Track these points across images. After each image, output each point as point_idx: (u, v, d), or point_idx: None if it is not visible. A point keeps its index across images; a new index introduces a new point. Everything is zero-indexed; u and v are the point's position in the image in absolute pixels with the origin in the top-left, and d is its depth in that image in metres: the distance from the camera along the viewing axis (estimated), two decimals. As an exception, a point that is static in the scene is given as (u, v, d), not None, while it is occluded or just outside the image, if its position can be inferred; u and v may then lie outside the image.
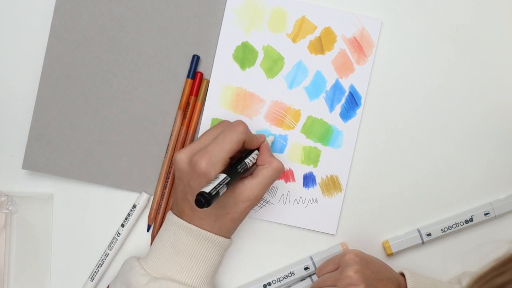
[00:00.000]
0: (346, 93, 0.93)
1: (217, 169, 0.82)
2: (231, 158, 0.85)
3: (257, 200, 0.85)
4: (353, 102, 0.93)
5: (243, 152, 0.88)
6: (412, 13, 0.93)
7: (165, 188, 0.91)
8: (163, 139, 0.92)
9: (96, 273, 0.92)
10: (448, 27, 0.94)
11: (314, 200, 0.93)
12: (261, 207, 0.93)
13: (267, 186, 0.86)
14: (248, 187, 0.84)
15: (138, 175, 0.92)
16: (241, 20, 0.92)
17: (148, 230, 0.93)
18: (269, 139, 0.91)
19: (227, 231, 0.86)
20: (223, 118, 0.92)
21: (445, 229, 0.93)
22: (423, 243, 0.93)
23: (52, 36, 0.91)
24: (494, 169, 0.94)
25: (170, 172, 0.91)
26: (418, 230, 0.93)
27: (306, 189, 0.93)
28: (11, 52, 0.92)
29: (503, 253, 0.60)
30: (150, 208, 0.92)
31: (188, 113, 0.91)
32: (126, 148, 0.92)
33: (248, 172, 0.87)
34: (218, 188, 0.80)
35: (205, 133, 0.87)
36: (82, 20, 0.91)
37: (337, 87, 0.93)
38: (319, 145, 0.93)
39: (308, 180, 0.93)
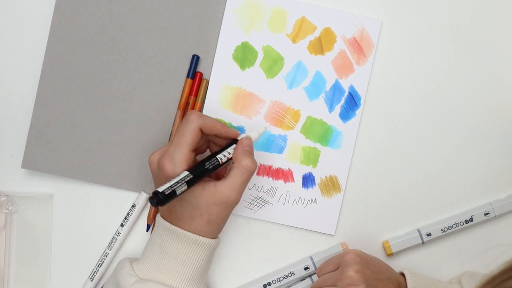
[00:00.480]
0: (346, 94, 0.93)
1: (181, 167, 0.80)
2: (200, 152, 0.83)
3: (232, 202, 0.82)
4: (352, 102, 0.93)
5: (221, 144, 0.85)
6: (412, 13, 0.93)
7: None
8: (163, 139, 0.92)
9: (96, 273, 0.92)
10: (448, 27, 0.94)
11: (314, 200, 0.93)
12: (260, 208, 0.93)
13: (240, 188, 0.82)
14: (219, 189, 0.81)
15: (138, 175, 0.92)
16: (241, 20, 0.92)
17: (147, 230, 0.93)
18: (257, 131, 0.86)
19: (207, 232, 0.83)
20: (223, 118, 0.92)
21: (445, 229, 0.93)
22: (423, 243, 0.93)
23: (52, 36, 0.91)
24: (494, 169, 0.94)
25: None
26: (418, 230, 0.93)
27: (306, 189, 0.93)
28: (11, 52, 0.92)
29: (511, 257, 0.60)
30: (149, 208, 0.92)
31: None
32: (126, 148, 0.92)
33: (227, 169, 0.85)
34: (175, 187, 0.78)
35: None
36: (82, 20, 0.91)
37: (336, 87, 0.93)
38: (318, 146, 0.93)
39: (308, 180, 0.93)
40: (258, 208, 0.93)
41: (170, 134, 0.92)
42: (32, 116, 0.91)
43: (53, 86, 0.91)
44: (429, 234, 0.93)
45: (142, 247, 0.93)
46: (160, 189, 0.77)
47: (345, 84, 0.93)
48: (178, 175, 0.80)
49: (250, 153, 0.84)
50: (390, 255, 0.93)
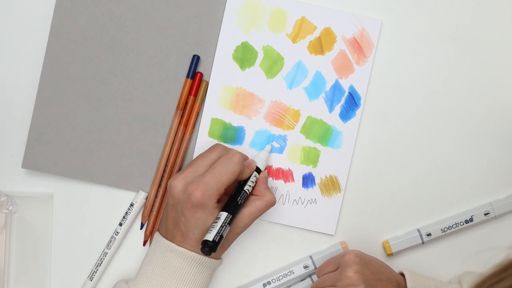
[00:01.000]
0: (346, 94, 0.93)
1: (212, 200, 0.83)
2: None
3: (245, 228, 0.87)
4: (352, 102, 0.93)
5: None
6: (412, 13, 0.93)
7: (160, 186, 0.92)
8: (162, 139, 0.92)
9: (95, 273, 0.92)
10: (448, 27, 0.93)
11: (313, 200, 0.93)
12: (261, 207, 0.93)
13: (257, 217, 0.87)
14: (240, 216, 0.86)
15: (138, 175, 0.92)
16: (241, 20, 0.92)
17: (141, 228, 0.93)
18: (267, 149, 0.91)
19: (217, 254, 0.87)
20: (223, 118, 0.92)
21: (445, 229, 0.93)
22: (423, 243, 0.93)
23: (52, 36, 0.91)
24: (494, 169, 0.94)
25: (165, 171, 0.91)
26: (418, 230, 0.93)
27: (306, 189, 0.93)
28: (11, 52, 0.92)
29: (502, 260, 0.60)
30: (144, 207, 0.92)
31: (186, 113, 0.91)
32: (125, 147, 0.92)
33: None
34: (221, 232, 0.82)
35: (199, 157, 0.87)
36: (82, 20, 0.91)
37: (336, 87, 0.93)
38: (318, 146, 0.93)
39: (308, 180, 0.93)
40: (258, 208, 0.93)
41: (168, 134, 0.92)
42: (32, 116, 0.91)
43: (53, 86, 0.91)
44: (429, 234, 0.93)
45: (139, 246, 0.93)
46: (210, 238, 0.82)
47: (345, 84, 0.93)
48: (207, 206, 0.83)
49: (268, 186, 0.90)
50: (390, 255, 0.93)
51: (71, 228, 0.93)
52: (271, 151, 0.93)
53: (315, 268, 0.92)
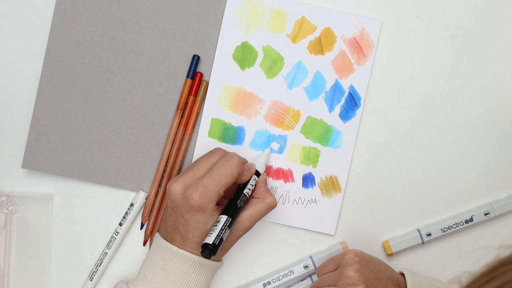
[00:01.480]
0: (346, 94, 0.93)
1: (211, 203, 0.83)
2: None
3: (246, 231, 0.87)
4: (352, 102, 0.93)
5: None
6: (412, 14, 0.93)
7: (160, 186, 0.92)
8: (162, 139, 0.92)
9: (95, 273, 0.92)
10: (447, 28, 0.94)
11: (313, 200, 0.93)
12: (261, 207, 0.93)
13: (258, 219, 0.87)
14: (240, 219, 0.86)
15: (138, 175, 0.92)
16: (241, 20, 0.92)
17: (141, 228, 0.93)
18: (266, 152, 0.91)
19: (217, 257, 0.87)
20: (223, 118, 0.92)
21: (445, 229, 0.93)
22: (423, 243, 0.93)
23: (52, 36, 0.91)
24: (494, 169, 0.94)
25: (165, 171, 0.91)
26: (418, 230, 0.93)
27: (305, 189, 0.93)
28: (11, 52, 0.92)
29: (492, 259, 0.60)
30: (144, 207, 0.92)
31: (186, 113, 0.91)
32: (126, 147, 0.92)
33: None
34: (221, 235, 0.82)
35: (198, 161, 0.87)
36: (82, 20, 0.91)
37: (336, 87, 0.93)
38: (318, 146, 0.93)
39: (308, 180, 0.93)
40: (258, 208, 0.93)
41: (168, 134, 0.92)
42: (32, 116, 0.91)
43: (53, 86, 0.91)
44: (429, 234, 0.93)
45: (140, 246, 0.93)
46: (210, 241, 0.82)
47: (345, 84, 0.93)
48: (207, 209, 0.83)
49: (268, 189, 0.90)
50: (390, 255, 0.93)
51: (71, 228, 0.93)
52: (271, 151, 0.93)
53: (315, 268, 0.92)
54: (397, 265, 0.93)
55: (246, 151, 0.92)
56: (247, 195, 0.87)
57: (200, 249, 0.82)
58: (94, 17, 0.91)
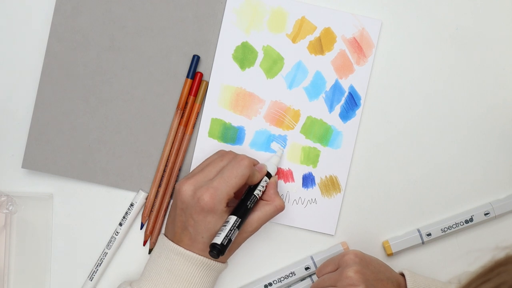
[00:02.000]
0: (346, 94, 0.93)
1: (222, 204, 0.83)
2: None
3: (253, 232, 0.87)
4: (352, 102, 0.93)
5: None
6: (412, 14, 0.93)
7: (160, 186, 0.92)
8: (162, 139, 0.92)
9: (95, 273, 0.92)
10: (447, 28, 0.94)
11: (313, 200, 0.93)
12: (261, 207, 0.93)
13: (265, 221, 0.87)
14: (249, 220, 0.86)
15: (138, 175, 0.92)
16: (241, 20, 0.92)
17: (141, 228, 0.93)
18: (278, 153, 0.91)
19: (224, 258, 0.87)
20: (223, 118, 0.92)
21: (445, 229, 0.93)
22: (423, 243, 0.93)
23: (52, 36, 0.91)
24: (494, 169, 0.94)
25: (165, 171, 0.91)
26: (418, 230, 0.93)
27: (305, 189, 0.93)
28: (11, 52, 0.92)
29: (488, 260, 0.60)
30: (144, 207, 0.92)
31: (186, 113, 0.91)
32: (126, 147, 0.92)
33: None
34: (230, 235, 0.82)
35: (209, 163, 0.87)
36: (82, 20, 0.91)
37: (336, 87, 0.93)
38: (318, 146, 0.93)
39: (308, 180, 0.93)
40: (258, 208, 0.93)
41: (168, 134, 0.92)
42: (32, 116, 0.91)
43: (53, 86, 0.91)
44: (429, 234, 0.93)
45: (140, 246, 0.93)
46: (218, 241, 0.82)
47: (345, 84, 0.93)
48: (217, 211, 0.83)
49: (278, 192, 0.90)
50: (390, 255, 0.93)
51: (71, 228, 0.93)
52: (270, 151, 0.93)
53: (316, 268, 0.92)
54: (397, 265, 0.93)
55: (246, 151, 0.92)
56: (258, 197, 0.87)
57: (208, 250, 0.82)
58: (94, 17, 0.91)
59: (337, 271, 0.86)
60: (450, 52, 0.94)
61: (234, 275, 0.93)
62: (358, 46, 0.93)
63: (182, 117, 0.92)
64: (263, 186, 0.88)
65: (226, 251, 0.83)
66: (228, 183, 0.84)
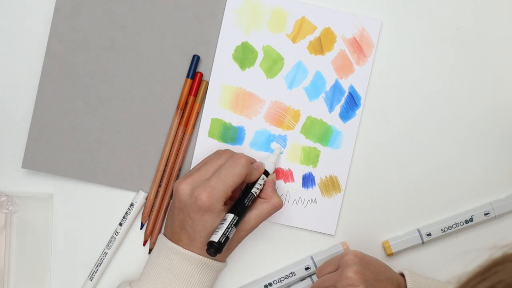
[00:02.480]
0: (346, 94, 0.93)
1: (219, 203, 0.83)
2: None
3: (251, 230, 0.87)
4: (352, 102, 0.93)
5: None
6: (412, 14, 0.93)
7: (160, 186, 0.92)
8: (162, 139, 0.92)
9: (95, 273, 0.92)
10: (447, 28, 0.94)
11: (313, 200, 0.93)
12: (261, 207, 0.93)
13: (263, 220, 0.87)
14: (246, 219, 0.86)
15: (138, 175, 0.92)
16: (241, 20, 0.92)
17: (141, 228, 0.93)
18: (276, 152, 0.91)
19: (222, 257, 0.87)
20: (223, 118, 0.92)
21: (445, 229, 0.93)
22: (423, 243, 0.93)
23: (52, 36, 0.91)
24: (494, 169, 0.94)
25: (165, 171, 0.91)
26: (418, 230, 0.93)
27: (305, 189, 0.93)
28: (11, 52, 0.92)
29: (484, 260, 0.60)
30: (144, 207, 0.92)
31: (186, 113, 0.91)
32: (126, 147, 0.92)
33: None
34: (227, 233, 0.82)
35: (207, 162, 0.87)
36: (82, 20, 0.91)
37: (336, 87, 0.93)
38: (318, 146, 0.93)
39: (308, 180, 0.93)
40: (258, 208, 0.93)
41: (168, 134, 0.92)
42: (32, 116, 0.91)
43: (53, 86, 0.91)
44: (429, 234, 0.93)
45: (140, 246, 0.93)
46: (215, 239, 0.82)
47: (345, 84, 0.93)
48: (214, 210, 0.83)
49: (275, 189, 0.91)
50: (390, 255, 0.93)
51: (71, 228, 0.93)
52: (270, 151, 0.93)
53: (316, 269, 0.92)
54: (397, 265, 0.93)
55: (246, 151, 0.92)
56: (255, 195, 0.87)
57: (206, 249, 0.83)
58: (94, 17, 0.91)
59: (337, 271, 0.86)
60: (450, 52, 0.94)
61: (234, 275, 0.93)
62: (358, 46, 0.93)
63: (182, 117, 0.92)
64: (260, 184, 0.88)
65: (224, 249, 0.83)
66: (225, 181, 0.84)
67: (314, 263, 0.92)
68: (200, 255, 0.84)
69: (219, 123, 0.93)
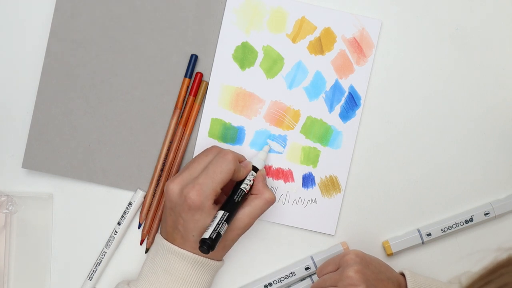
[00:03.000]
0: (346, 94, 0.93)
1: (209, 200, 0.83)
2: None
3: (247, 228, 0.86)
4: (352, 102, 0.93)
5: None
6: (412, 14, 0.93)
7: (158, 186, 0.92)
8: (162, 139, 0.92)
9: (95, 272, 0.92)
10: (447, 28, 0.94)
11: (313, 200, 0.93)
12: (261, 207, 0.93)
13: (257, 216, 0.86)
14: (239, 216, 0.85)
15: (138, 174, 0.92)
16: (241, 20, 0.92)
17: (139, 227, 0.93)
18: (265, 149, 0.91)
19: (218, 256, 0.87)
20: (223, 118, 0.92)
21: (445, 229, 0.93)
22: (423, 243, 0.93)
23: (52, 36, 0.91)
24: (494, 169, 0.94)
25: (163, 170, 0.91)
26: (418, 230, 0.93)
27: (305, 189, 0.93)
28: (11, 52, 0.92)
29: (490, 262, 0.60)
30: (141, 206, 0.92)
31: (186, 112, 0.91)
32: (126, 147, 0.92)
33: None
34: (218, 229, 0.82)
35: (195, 160, 0.87)
36: (82, 20, 0.91)
37: (336, 87, 0.93)
38: (318, 146, 0.93)
39: (308, 180, 0.93)
40: (258, 208, 0.93)
41: (166, 133, 0.92)
42: (33, 116, 0.91)
43: (53, 86, 0.91)
44: (429, 234, 0.93)
45: (138, 245, 0.93)
46: (207, 236, 0.81)
47: (345, 84, 0.93)
48: (204, 207, 0.82)
49: (266, 184, 0.89)
50: (390, 255, 0.93)
51: (71, 228, 0.93)
52: (270, 151, 0.93)
53: (316, 268, 0.92)
54: (397, 265, 0.93)
55: (246, 151, 0.92)
56: (245, 190, 0.86)
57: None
58: (94, 17, 0.91)
59: (338, 271, 0.86)
60: (450, 52, 0.94)
61: (234, 275, 0.93)
62: (358, 46, 0.93)
63: (181, 116, 0.92)
64: (250, 180, 0.87)
65: (218, 246, 0.83)
66: (214, 178, 0.83)
67: (314, 263, 0.92)
68: (195, 253, 0.84)
69: (219, 123, 0.93)
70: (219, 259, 0.87)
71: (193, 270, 0.84)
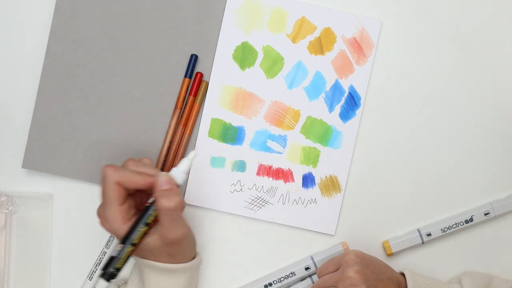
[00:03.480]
0: (346, 94, 0.93)
1: (117, 223, 0.80)
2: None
3: (180, 236, 0.81)
4: (352, 102, 0.93)
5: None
6: (412, 14, 0.93)
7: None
8: (162, 139, 0.92)
9: (94, 272, 0.92)
10: (447, 28, 0.94)
11: (314, 200, 0.93)
12: (260, 208, 0.93)
13: (174, 225, 0.80)
14: (161, 236, 0.80)
15: (138, 175, 0.92)
16: (241, 20, 0.92)
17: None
18: (189, 157, 0.82)
19: (188, 256, 0.85)
20: (223, 118, 0.92)
21: (445, 229, 0.93)
22: (423, 243, 0.93)
23: (52, 36, 0.91)
24: (494, 169, 0.94)
25: (163, 170, 0.91)
26: (418, 230, 0.93)
27: (305, 189, 0.93)
28: (12, 52, 0.93)
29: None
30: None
31: (186, 112, 0.92)
32: (125, 147, 0.92)
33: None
34: (115, 264, 0.79)
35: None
36: (82, 20, 0.91)
37: (336, 87, 0.93)
38: (318, 146, 0.93)
39: (308, 180, 0.93)
40: (258, 208, 0.93)
41: (166, 133, 0.92)
42: (33, 116, 0.91)
43: (53, 86, 0.91)
44: (429, 234, 0.93)
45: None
46: (103, 270, 0.80)
47: (345, 84, 0.93)
48: (121, 232, 0.80)
49: (168, 191, 0.80)
50: (390, 255, 0.93)
51: (71, 228, 0.93)
52: (270, 151, 0.93)
53: (316, 269, 0.92)
54: (397, 265, 0.93)
55: (246, 151, 0.92)
56: (145, 224, 0.80)
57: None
58: (94, 17, 0.91)
59: (338, 271, 0.86)
60: (450, 52, 0.94)
61: (234, 275, 0.93)
62: (358, 46, 0.93)
63: (181, 116, 0.92)
64: (150, 214, 0.80)
65: (188, 248, 0.82)
66: (105, 202, 0.80)
67: (314, 263, 0.92)
68: (158, 261, 0.83)
69: (219, 123, 0.93)
70: (187, 260, 0.85)
71: (163, 277, 0.83)
